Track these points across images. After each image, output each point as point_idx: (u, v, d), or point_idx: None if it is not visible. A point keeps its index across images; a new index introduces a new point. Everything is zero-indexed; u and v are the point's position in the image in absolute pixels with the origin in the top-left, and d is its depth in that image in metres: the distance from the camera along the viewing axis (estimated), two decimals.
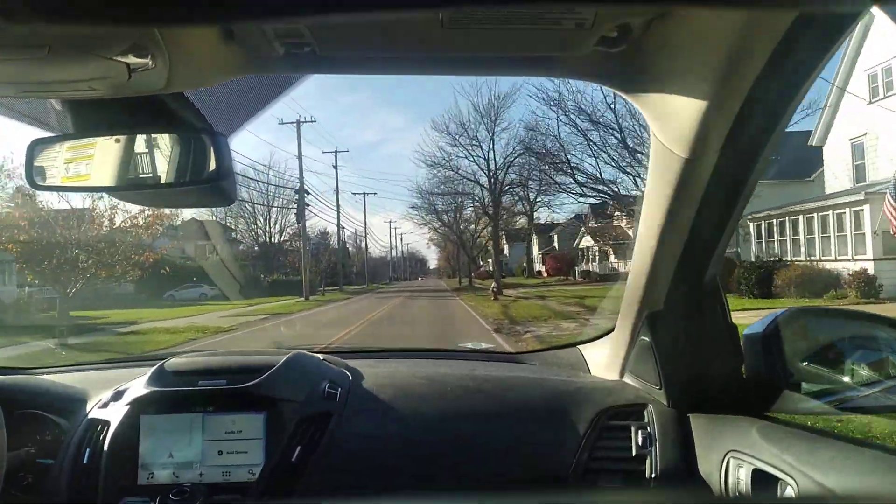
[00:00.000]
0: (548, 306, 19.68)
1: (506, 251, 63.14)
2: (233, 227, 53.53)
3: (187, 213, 41.44)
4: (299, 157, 37.57)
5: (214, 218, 47.66)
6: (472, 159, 38.48)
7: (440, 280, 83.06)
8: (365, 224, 73.48)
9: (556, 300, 22.40)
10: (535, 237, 59.02)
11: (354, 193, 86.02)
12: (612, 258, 40.14)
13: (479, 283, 49.40)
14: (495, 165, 37.93)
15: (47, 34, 0.69)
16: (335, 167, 53.09)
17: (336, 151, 56.60)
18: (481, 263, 68.43)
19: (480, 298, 26.49)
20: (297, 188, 38.31)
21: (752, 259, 20.76)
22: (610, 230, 41.33)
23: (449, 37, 0.92)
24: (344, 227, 57.51)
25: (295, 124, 39.19)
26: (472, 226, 48.96)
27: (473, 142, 37.84)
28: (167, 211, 20.91)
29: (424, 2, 0.41)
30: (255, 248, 54.06)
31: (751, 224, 22.04)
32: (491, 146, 38.09)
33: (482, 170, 38.27)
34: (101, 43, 0.74)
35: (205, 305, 30.45)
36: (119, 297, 32.58)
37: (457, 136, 37.78)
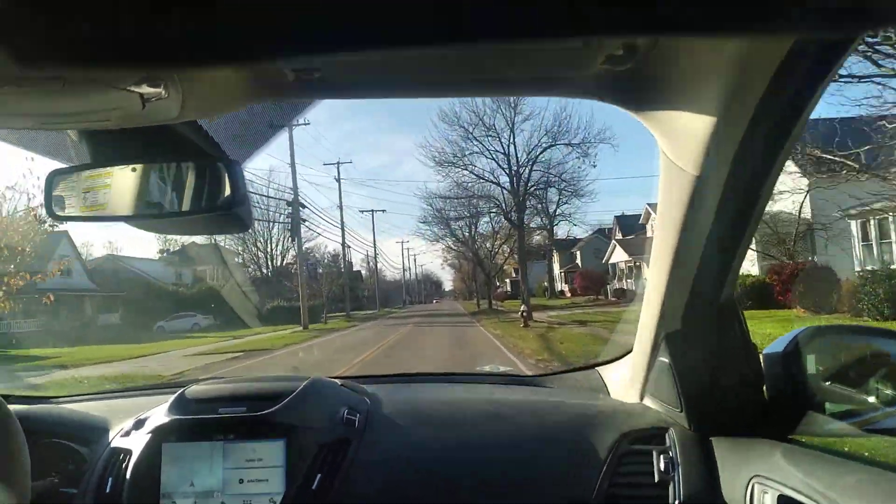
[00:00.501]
0: (596, 335, 15.76)
1: (522, 272, 59.97)
2: (237, 250, 51.26)
3: (186, 238, 39.82)
4: (292, 165, 36.17)
5: (212, 241, 45.59)
6: (489, 155, 31.86)
7: (456, 303, 78.98)
8: (374, 243, 70.66)
9: (600, 325, 18.47)
10: (555, 254, 54.95)
11: (362, 211, 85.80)
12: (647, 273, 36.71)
13: (499, 305, 46.10)
14: (517, 161, 31.57)
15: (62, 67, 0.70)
16: (338, 180, 50.66)
17: (339, 163, 53.03)
18: (498, 284, 64.74)
19: (507, 325, 22.57)
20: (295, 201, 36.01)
21: (858, 268, 16.74)
22: (644, 242, 36.39)
23: (457, 59, 0.93)
24: (350, 247, 54.74)
25: (288, 128, 37.63)
26: (489, 242, 44.79)
27: (490, 133, 31.39)
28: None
29: (432, 40, 0.42)
30: (258, 273, 52.07)
31: (852, 223, 17.67)
32: (511, 139, 31.59)
33: (501, 167, 32.20)
34: (116, 75, 0.76)
35: (194, 338, 28.37)
36: (105, 329, 31.52)
37: (470, 128, 31.22)
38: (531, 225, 40.90)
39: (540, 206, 37.25)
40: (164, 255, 53.77)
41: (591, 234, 53.28)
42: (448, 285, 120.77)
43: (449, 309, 57.41)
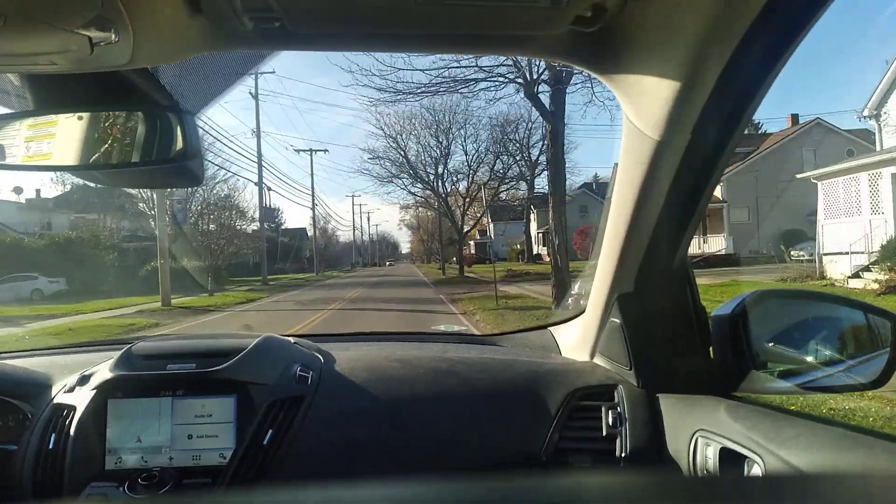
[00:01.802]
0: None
1: (490, 232, 50.55)
2: (141, 196, 36.41)
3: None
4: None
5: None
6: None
7: (413, 266, 70.73)
8: (312, 188, 57.68)
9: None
10: (532, 212, 47.11)
11: (298, 151, 66.44)
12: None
13: (472, 272, 38.41)
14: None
15: (5, 4, 0.66)
16: (255, 96, 40.02)
17: (256, 74, 35.57)
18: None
19: (494, 308, 15.43)
20: None
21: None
22: None
23: (423, 13, 0.91)
24: (267, 189, 43.36)
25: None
26: (462, 184, 37.43)
27: None
28: None
29: None
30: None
31: None
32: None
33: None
34: (61, 14, 0.72)
35: (30, 307, 22.10)
36: None
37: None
38: (508, 174, 35.64)
39: (520, 151, 32.13)
40: (38, 197, 44.29)
41: (576, 189, 44.88)
42: (405, 248, 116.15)
43: (405, 274, 49.70)
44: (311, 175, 58.48)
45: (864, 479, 0.67)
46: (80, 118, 0.99)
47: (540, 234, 50.56)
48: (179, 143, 0.98)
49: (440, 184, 36.77)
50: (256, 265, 41.24)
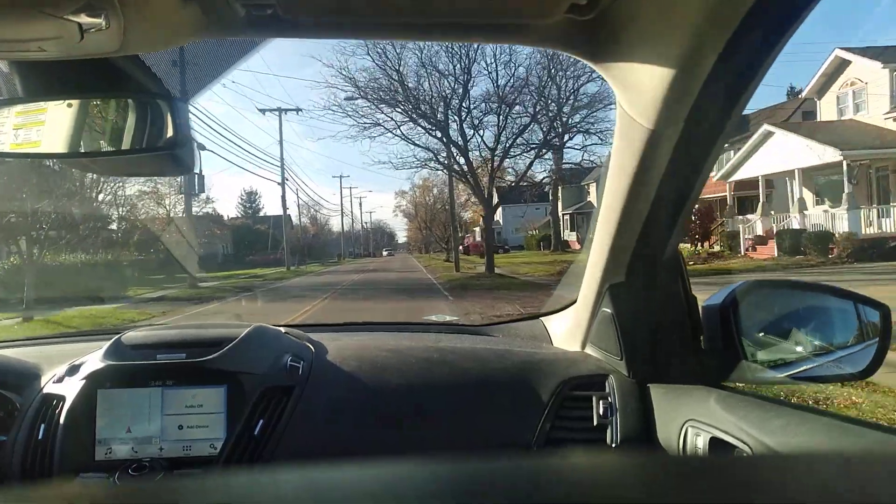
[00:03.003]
0: None
1: (498, 217, 43.32)
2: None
3: None
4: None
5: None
6: None
7: (411, 258, 58.74)
8: (282, 155, 45.24)
9: None
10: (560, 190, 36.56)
11: (263, 111, 45.65)
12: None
13: (479, 262, 31.40)
14: None
15: None
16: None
17: None
18: (467, 233, 47.12)
19: None
20: None
21: None
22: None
23: (416, 1, 0.90)
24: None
25: None
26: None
27: None
28: None
29: None
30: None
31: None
32: None
33: None
34: (51, 1, 0.71)
35: None
36: None
37: None
38: (532, 141, 23.69)
39: (546, 109, 22.06)
40: None
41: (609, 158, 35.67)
42: (402, 237, 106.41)
43: (401, 267, 39.92)
44: (280, 142, 50.41)
45: (845, 458, 0.69)
46: (69, 105, 0.99)
47: (565, 217, 40.74)
48: (170, 131, 0.97)
49: (459, 122, 22.91)
50: (225, 257, 36.66)
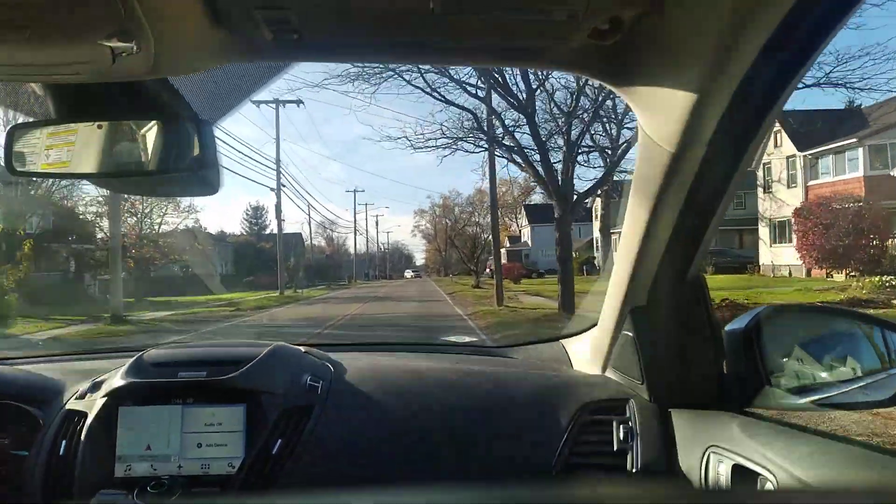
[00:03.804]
0: None
1: (526, 237, 40.14)
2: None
3: None
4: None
5: None
6: None
7: (429, 280, 52.82)
8: (278, 150, 36.67)
9: None
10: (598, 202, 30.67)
11: (259, 103, 35.43)
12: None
13: (514, 288, 26.62)
14: None
15: (28, 16, 0.68)
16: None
17: None
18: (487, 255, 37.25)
19: None
20: None
21: None
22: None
23: (439, 25, 0.91)
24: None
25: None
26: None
27: None
28: None
29: None
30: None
31: None
32: None
33: None
34: (84, 26, 0.73)
35: None
36: None
37: None
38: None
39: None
40: None
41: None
42: (420, 259, 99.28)
43: (418, 294, 31.43)
44: (277, 137, 36.65)
45: (877, 493, 0.67)
46: (99, 127, 1.01)
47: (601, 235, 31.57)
48: (196, 153, 0.99)
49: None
50: (223, 278, 32.37)
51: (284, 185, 32.46)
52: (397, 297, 29.78)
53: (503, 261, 29.67)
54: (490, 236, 26.33)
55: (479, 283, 31.67)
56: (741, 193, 33.21)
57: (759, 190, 32.02)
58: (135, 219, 31.76)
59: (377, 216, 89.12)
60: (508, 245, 45.05)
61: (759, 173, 31.83)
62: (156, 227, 34.41)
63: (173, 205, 32.88)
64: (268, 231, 56.08)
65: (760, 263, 31.44)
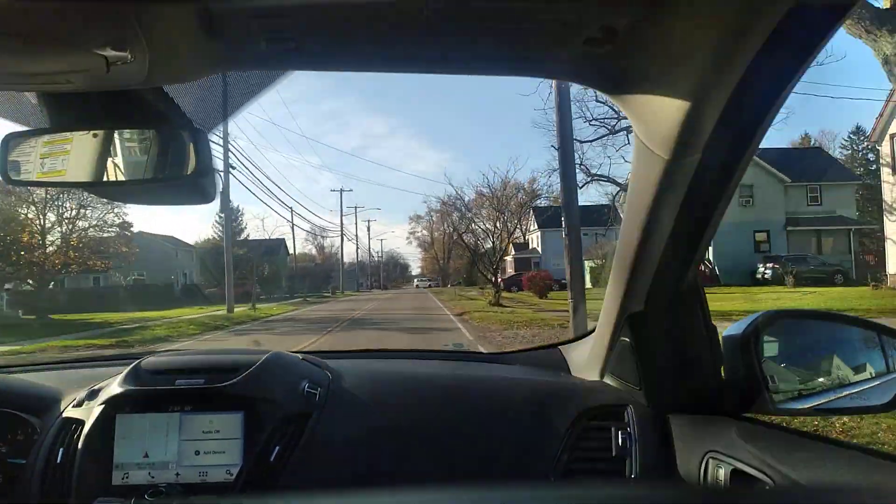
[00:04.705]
0: None
1: (536, 244, 37.05)
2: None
3: None
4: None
5: None
6: None
7: (428, 295, 43.88)
8: (225, 137, 27.82)
9: None
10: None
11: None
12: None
13: (534, 301, 24.06)
14: None
15: (22, 24, 0.68)
16: None
17: None
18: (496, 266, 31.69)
19: None
20: None
21: None
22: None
23: (434, 34, 0.91)
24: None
25: None
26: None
27: None
28: None
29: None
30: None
31: None
32: None
33: None
34: (79, 35, 0.73)
35: None
36: None
37: None
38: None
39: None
40: None
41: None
42: (415, 269, 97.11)
43: (413, 312, 24.89)
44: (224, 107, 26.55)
45: (874, 493, 0.67)
46: (94, 135, 1.01)
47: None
48: (192, 161, 0.99)
49: None
50: (186, 288, 28.52)
51: (233, 166, 26.78)
52: (382, 320, 21.64)
53: (511, 270, 26.85)
54: (481, 248, 23.18)
55: (500, 298, 25.50)
56: (816, 186, 32.06)
57: (885, 171, 22.97)
58: (54, 216, 27.85)
59: (369, 221, 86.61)
60: (514, 253, 40.77)
61: (884, 147, 22.73)
62: (89, 230, 30.15)
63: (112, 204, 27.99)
64: (242, 237, 52.38)
65: (888, 273, 21.98)
